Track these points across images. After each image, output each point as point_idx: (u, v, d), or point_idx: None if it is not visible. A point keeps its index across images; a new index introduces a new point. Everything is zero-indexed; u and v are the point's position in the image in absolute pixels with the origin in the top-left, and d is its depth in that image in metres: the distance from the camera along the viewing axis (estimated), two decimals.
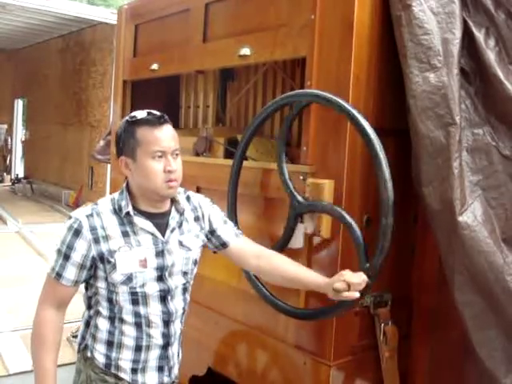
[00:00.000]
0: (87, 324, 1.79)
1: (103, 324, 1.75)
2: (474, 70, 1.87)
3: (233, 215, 2.27)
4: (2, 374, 3.60)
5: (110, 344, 1.75)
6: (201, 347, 2.64)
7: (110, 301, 1.73)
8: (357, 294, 1.69)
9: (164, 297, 1.77)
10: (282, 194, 2.13)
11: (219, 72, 3.21)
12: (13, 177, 13.31)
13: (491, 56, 1.82)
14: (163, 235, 1.76)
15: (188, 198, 1.89)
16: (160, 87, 3.46)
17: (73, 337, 3.90)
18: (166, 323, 1.79)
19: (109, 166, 7.31)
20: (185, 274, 1.82)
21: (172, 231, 1.79)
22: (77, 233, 1.67)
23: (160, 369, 1.81)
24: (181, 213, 1.82)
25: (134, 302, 1.73)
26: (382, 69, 2.03)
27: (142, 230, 1.73)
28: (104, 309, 1.74)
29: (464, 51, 1.85)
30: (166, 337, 1.79)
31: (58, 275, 1.69)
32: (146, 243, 1.73)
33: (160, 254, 1.74)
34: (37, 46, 12.40)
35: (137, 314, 1.74)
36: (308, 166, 2.10)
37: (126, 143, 1.72)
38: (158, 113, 1.73)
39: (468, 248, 1.76)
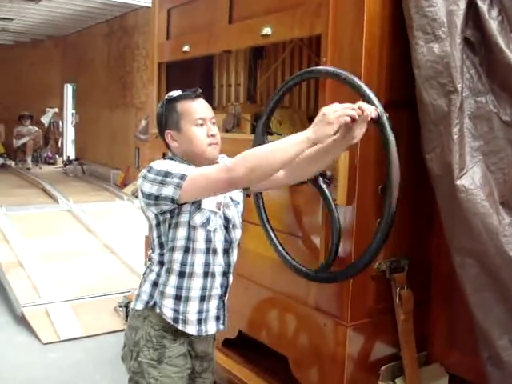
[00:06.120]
0: (155, 284, 1.92)
1: (173, 280, 1.89)
2: (479, 40, 1.91)
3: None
4: (53, 340, 3.87)
5: (177, 298, 1.89)
6: (232, 312, 2.79)
7: (186, 251, 1.86)
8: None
9: (227, 249, 1.95)
10: None
11: (249, 51, 3.32)
12: (64, 159, 13.81)
13: (493, 26, 1.85)
14: None
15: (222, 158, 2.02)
16: (195, 68, 3.59)
17: (119, 307, 4.16)
18: (225, 274, 1.96)
19: None
20: (239, 227, 2.00)
21: None
22: None
23: (217, 318, 1.98)
24: None
25: (207, 251, 1.88)
26: (393, 43, 2.10)
27: None
28: (178, 263, 1.87)
29: (470, 23, 1.89)
30: (224, 287, 1.97)
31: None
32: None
33: (225, 205, 1.92)
34: (83, 32, 12.75)
35: (206, 264, 1.89)
36: None
37: (169, 118, 1.92)
38: (191, 89, 1.93)
39: (465, 211, 1.82)
